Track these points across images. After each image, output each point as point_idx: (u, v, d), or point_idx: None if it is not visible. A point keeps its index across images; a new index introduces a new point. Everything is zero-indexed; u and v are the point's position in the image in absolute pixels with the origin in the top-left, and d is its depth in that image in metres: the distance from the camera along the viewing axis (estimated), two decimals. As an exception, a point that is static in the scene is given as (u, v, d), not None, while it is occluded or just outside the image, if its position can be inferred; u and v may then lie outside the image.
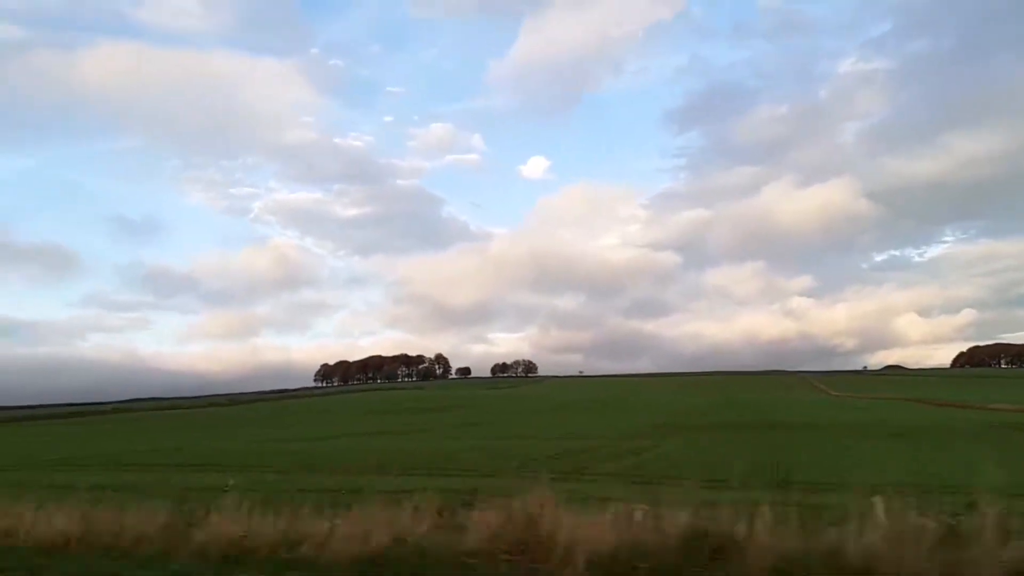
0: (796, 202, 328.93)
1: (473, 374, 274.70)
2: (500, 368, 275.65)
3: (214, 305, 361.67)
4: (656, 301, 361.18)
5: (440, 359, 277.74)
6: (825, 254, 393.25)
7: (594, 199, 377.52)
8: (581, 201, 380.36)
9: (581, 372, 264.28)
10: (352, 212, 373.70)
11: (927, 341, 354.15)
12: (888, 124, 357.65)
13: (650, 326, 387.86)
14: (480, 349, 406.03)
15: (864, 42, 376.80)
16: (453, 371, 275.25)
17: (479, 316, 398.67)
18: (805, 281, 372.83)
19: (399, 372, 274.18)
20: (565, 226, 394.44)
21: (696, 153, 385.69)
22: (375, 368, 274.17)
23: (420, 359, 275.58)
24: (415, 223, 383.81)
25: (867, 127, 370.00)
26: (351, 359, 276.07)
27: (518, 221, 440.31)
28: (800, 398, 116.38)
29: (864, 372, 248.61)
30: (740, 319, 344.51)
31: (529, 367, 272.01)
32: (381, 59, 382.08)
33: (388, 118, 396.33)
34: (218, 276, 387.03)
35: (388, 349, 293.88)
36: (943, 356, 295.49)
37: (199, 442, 50.68)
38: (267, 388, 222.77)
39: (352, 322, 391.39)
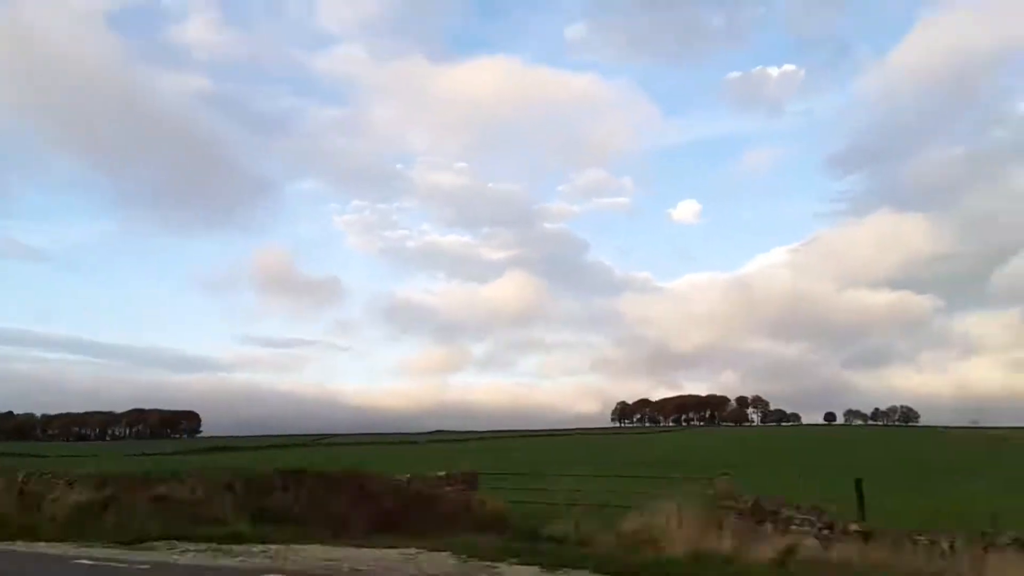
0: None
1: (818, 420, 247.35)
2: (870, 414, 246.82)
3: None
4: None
5: (758, 401, 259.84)
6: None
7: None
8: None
9: (975, 422, 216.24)
10: (499, 255, 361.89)
11: None
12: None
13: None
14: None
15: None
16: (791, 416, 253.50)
17: (682, 361, 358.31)
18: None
19: (743, 414, 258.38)
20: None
21: (859, 197, 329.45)
22: (690, 409, 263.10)
23: (744, 400, 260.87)
24: (560, 266, 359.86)
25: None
26: (652, 399, 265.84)
27: (665, 266, 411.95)
28: None
29: None
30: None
31: (908, 414, 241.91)
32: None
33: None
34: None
35: (574, 393, 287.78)
36: None
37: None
38: (482, 427, 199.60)
39: (545, 364, 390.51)
